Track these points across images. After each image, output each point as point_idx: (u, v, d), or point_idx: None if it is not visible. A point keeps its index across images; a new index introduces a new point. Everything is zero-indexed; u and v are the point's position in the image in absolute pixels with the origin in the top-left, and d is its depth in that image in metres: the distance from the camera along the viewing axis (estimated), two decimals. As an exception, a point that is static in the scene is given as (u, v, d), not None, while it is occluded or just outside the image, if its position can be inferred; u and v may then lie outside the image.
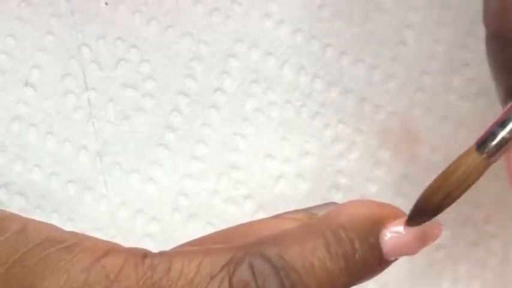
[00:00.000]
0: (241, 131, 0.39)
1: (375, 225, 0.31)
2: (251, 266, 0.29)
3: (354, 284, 0.30)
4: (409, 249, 0.31)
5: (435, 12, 0.39)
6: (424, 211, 0.30)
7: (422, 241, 0.31)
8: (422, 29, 0.39)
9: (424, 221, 0.30)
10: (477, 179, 0.29)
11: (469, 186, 0.30)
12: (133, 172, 0.39)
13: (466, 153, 0.30)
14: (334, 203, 0.32)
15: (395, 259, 0.31)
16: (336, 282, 0.30)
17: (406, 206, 0.37)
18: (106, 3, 0.38)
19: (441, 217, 0.38)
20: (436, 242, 0.37)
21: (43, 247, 0.29)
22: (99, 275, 0.28)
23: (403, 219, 0.31)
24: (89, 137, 0.38)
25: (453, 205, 0.38)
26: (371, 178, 0.40)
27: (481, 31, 0.38)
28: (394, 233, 0.31)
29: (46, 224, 0.31)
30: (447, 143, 0.40)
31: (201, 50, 0.39)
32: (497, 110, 0.39)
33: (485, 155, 0.29)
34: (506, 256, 0.40)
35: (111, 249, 0.29)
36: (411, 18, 0.39)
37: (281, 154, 0.39)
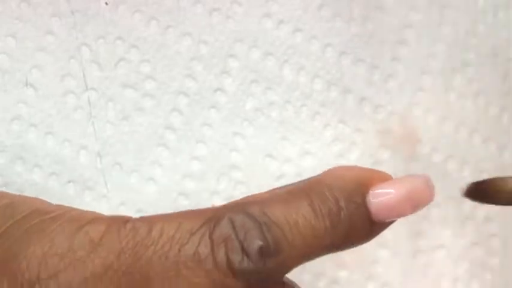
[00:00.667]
0: (241, 131, 0.39)
1: (361, 186, 0.31)
2: (232, 221, 0.29)
3: (344, 245, 0.30)
4: (399, 210, 0.31)
5: (435, 12, 0.39)
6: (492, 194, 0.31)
7: (412, 202, 0.31)
8: (423, 29, 0.39)
9: (479, 200, 0.31)
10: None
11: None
12: (133, 172, 0.39)
13: None
14: None
15: (389, 223, 0.31)
16: (323, 241, 0.30)
17: None
18: (106, 3, 0.38)
19: (441, 217, 0.40)
20: (436, 242, 0.39)
21: (30, 218, 0.30)
22: (83, 240, 0.29)
23: (391, 180, 0.31)
24: (89, 137, 0.38)
25: (453, 205, 0.40)
26: None
27: (481, 31, 0.39)
28: (381, 193, 0.31)
29: (34, 198, 0.32)
30: (447, 143, 0.40)
31: (201, 50, 0.38)
32: (496, 110, 0.40)
33: None
34: (506, 256, 0.41)
35: (95, 217, 0.30)
36: (411, 18, 0.39)
37: (281, 154, 0.39)
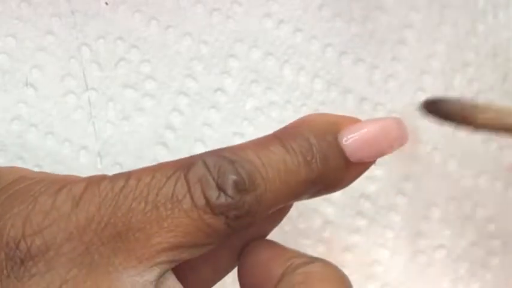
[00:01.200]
0: (241, 131, 0.39)
1: (332, 126, 0.31)
2: (205, 163, 0.29)
3: (324, 183, 0.31)
4: (372, 147, 0.31)
5: (435, 12, 0.39)
6: (458, 114, 0.31)
7: (385, 140, 0.31)
8: (423, 29, 0.39)
9: (440, 117, 0.31)
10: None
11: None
12: None
13: None
14: None
15: (365, 164, 0.31)
16: (298, 175, 0.30)
17: (406, 206, 0.39)
18: (106, 3, 0.38)
19: (441, 217, 0.40)
20: (436, 242, 0.39)
21: (15, 184, 0.31)
22: (65, 197, 0.29)
23: (361, 121, 0.31)
24: (89, 137, 0.38)
25: (454, 204, 0.40)
26: (371, 178, 0.40)
27: (481, 31, 0.39)
28: (351, 131, 0.31)
29: (20, 168, 0.33)
30: (447, 143, 0.40)
31: (201, 50, 0.38)
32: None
33: None
34: (506, 256, 0.41)
35: (76, 178, 0.31)
36: (411, 18, 0.39)
37: None
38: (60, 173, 0.36)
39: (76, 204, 0.29)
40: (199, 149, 0.38)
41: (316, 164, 0.30)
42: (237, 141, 0.38)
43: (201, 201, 0.29)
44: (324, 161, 0.30)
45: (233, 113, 0.39)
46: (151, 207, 0.29)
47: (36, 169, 0.38)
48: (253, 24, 0.38)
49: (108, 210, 0.29)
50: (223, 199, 0.29)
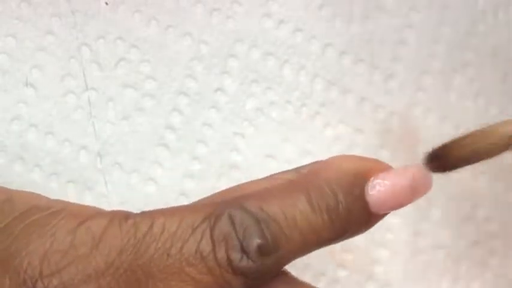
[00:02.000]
0: (242, 131, 0.39)
1: (360, 177, 0.30)
2: (231, 218, 0.29)
3: (342, 237, 0.30)
4: (397, 201, 0.30)
5: (435, 12, 0.39)
6: (446, 159, 0.30)
7: (410, 192, 0.30)
8: (423, 29, 0.39)
9: (439, 170, 0.30)
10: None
11: (500, 153, 0.30)
12: (133, 172, 0.38)
13: (507, 123, 0.29)
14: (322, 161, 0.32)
15: (385, 213, 0.31)
16: (321, 234, 0.30)
17: (406, 206, 0.37)
18: (106, 3, 0.38)
19: (441, 217, 0.40)
20: (436, 242, 0.39)
21: (29, 214, 0.30)
22: (84, 236, 0.29)
23: (389, 171, 0.31)
24: (89, 137, 0.38)
25: (454, 204, 0.40)
26: None
27: (481, 31, 0.39)
28: (379, 184, 0.30)
29: (32, 193, 0.32)
30: None
31: (201, 50, 0.38)
32: (496, 110, 0.40)
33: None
34: (506, 256, 0.41)
35: (96, 212, 0.30)
36: (411, 18, 0.39)
37: (281, 154, 0.39)
38: (61, 175, 0.38)
39: (96, 246, 0.29)
40: (201, 151, 0.38)
41: (340, 222, 0.30)
42: (238, 141, 0.39)
43: (224, 261, 0.29)
44: (348, 219, 0.30)
45: (233, 113, 0.39)
46: (174, 261, 0.29)
47: (36, 169, 0.38)
48: (253, 24, 0.39)
49: (129, 257, 0.29)
50: (245, 262, 0.29)
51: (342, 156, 0.32)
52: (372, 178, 0.30)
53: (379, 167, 0.31)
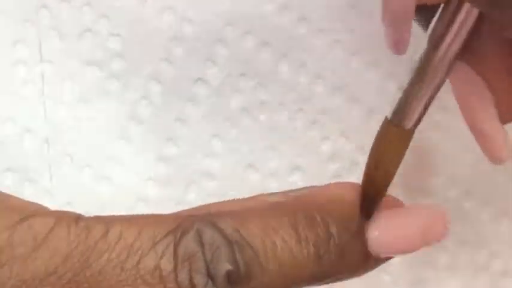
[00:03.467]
0: (221, 133, 0.38)
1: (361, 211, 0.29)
2: (199, 235, 0.28)
3: (330, 279, 0.29)
4: (402, 247, 0.29)
5: None
6: (370, 194, 0.29)
7: (420, 239, 0.29)
8: None
9: (374, 205, 0.29)
10: (407, 147, 0.30)
11: (402, 157, 0.30)
12: (86, 167, 0.37)
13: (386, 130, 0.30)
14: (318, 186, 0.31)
15: (388, 258, 0.29)
16: (303, 271, 0.28)
17: None
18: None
19: (450, 264, 0.37)
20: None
21: None
22: (25, 235, 0.27)
23: (398, 209, 0.29)
24: (38, 119, 0.37)
25: (466, 251, 0.39)
26: None
27: None
28: (384, 224, 0.29)
29: None
30: (465, 177, 0.38)
31: (184, 29, 0.37)
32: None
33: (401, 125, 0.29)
34: (507, 255, 0.39)
35: (40, 210, 0.28)
36: None
37: (265, 166, 0.38)
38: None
39: (37, 247, 0.27)
40: (169, 151, 0.37)
41: (329, 259, 0.28)
42: (216, 145, 0.38)
43: (185, 285, 0.27)
44: (339, 258, 0.28)
45: (214, 109, 0.38)
46: (127, 276, 0.27)
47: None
48: (250, 6, 0.37)
49: (75, 265, 0.27)
50: None
51: (342, 184, 0.30)
52: (376, 214, 0.29)
53: (389, 202, 0.30)
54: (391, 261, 0.36)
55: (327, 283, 0.29)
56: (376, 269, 0.37)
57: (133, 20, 0.37)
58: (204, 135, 0.37)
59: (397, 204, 0.30)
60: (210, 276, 0.27)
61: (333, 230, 0.28)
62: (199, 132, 0.37)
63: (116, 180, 0.37)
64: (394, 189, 0.37)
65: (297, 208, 0.29)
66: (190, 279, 0.27)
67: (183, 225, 0.28)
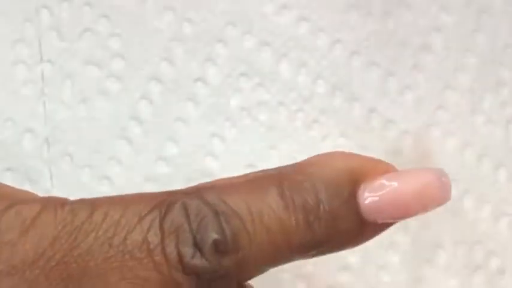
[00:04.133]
0: (221, 133, 0.37)
1: (353, 177, 0.29)
2: (185, 207, 0.28)
3: (323, 248, 0.29)
4: (399, 211, 0.29)
5: (470, 15, 0.38)
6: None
7: (418, 202, 0.29)
8: (453, 35, 0.38)
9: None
10: None
11: None
12: (86, 167, 0.37)
13: None
14: None
15: (388, 224, 0.29)
16: (293, 238, 0.28)
17: (408, 245, 0.38)
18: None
19: (447, 263, 0.39)
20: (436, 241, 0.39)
21: None
22: (13, 220, 0.28)
23: (393, 173, 0.29)
24: (38, 119, 0.37)
25: (464, 250, 0.38)
26: None
27: None
28: (377, 187, 0.28)
29: None
30: (466, 176, 0.38)
31: (183, 29, 0.37)
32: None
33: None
34: (505, 254, 0.39)
35: (28, 197, 0.29)
36: (441, 19, 0.38)
37: (265, 166, 0.36)
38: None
39: (25, 232, 0.28)
40: (169, 150, 0.37)
41: (320, 226, 0.28)
42: (216, 144, 0.38)
43: (173, 256, 0.27)
44: (331, 223, 0.28)
45: (214, 109, 0.37)
46: (115, 253, 0.27)
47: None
48: (250, 6, 0.37)
49: (63, 246, 0.27)
50: (198, 260, 0.27)
51: (335, 152, 0.30)
52: (370, 178, 0.29)
53: (379, 167, 0.29)
54: (390, 260, 0.38)
55: (323, 253, 0.29)
56: (375, 268, 0.38)
57: (133, 20, 0.37)
58: (204, 134, 0.37)
59: (390, 168, 0.29)
60: (197, 246, 0.27)
61: (322, 196, 0.28)
62: (199, 131, 0.37)
63: (116, 180, 0.37)
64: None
65: (284, 177, 0.28)
66: (178, 251, 0.27)
67: (168, 199, 0.28)
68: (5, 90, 0.37)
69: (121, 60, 0.37)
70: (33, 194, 0.30)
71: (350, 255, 0.38)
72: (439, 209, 0.36)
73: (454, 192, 0.37)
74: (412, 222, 0.38)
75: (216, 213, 0.27)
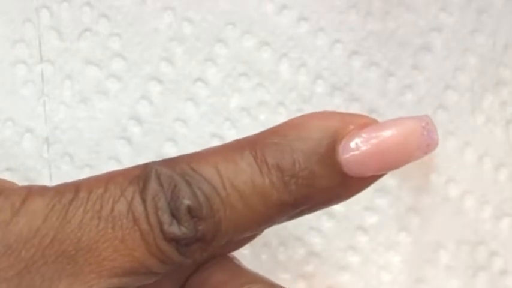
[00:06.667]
0: (221, 133, 0.37)
1: (330, 133, 0.28)
2: (159, 177, 0.28)
3: (304, 205, 0.29)
4: (384, 162, 0.28)
5: (470, 16, 0.38)
6: None
7: (402, 150, 0.28)
8: (453, 35, 0.38)
9: None
10: None
11: None
12: (85, 167, 0.37)
13: None
14: None
15: (377, 176, 0.29)
16: (269, 199, 0.28)
17: (410, 245, 0.38)
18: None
19: (449, 263, 0.39)
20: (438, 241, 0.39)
21: None
22: (3, 204, 0.28)
23: (372, 125, 0.28)
24: (38, 119, 0.37)
25: (466, 250, 0.39)
26: (370, 207, 0.39)
27: None
28: (355, 142, 0.28)
29: None
30: (467, 176, 0.39)
31: (183, 29, 0.37)
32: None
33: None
34: (507, 255, 0.39)
35: (12, 185, 0.30)
36: (441, 20, 0.38)
37: None
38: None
39: (16, 212, 0.28)
40: (169, 150, 0.38)
41: (297, 185, 0.28)
42: (215, 144, 0.38)
43: (156, 224, 0.28)
44: (310, 181, 0.28)
45: (214, 109, 0.38)
46: (105, 225, 0.28)
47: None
48: (250, 6, 0.37)
49: (54, 223, 0.28)
50: (175, 227, 0.28)
51: (313, 112, 0.30)
52: (350, 134, 0.28)
53: (362, 122, 0.29)
54: (391, 260, 0.39)
55: (307, 211, 0.29)
56: (376, 268, 0.38)
57: (133, 19, 0.37)
58: (204, 134, 0.37)
59: (370, 122, 0.29)
60: (172, 214, 0.28)
61: (298, 155, 0.28)
62: (199, 131, 0.37)
63: (116, 180, 0.38)
64: (394, 189, 0.38)
65: (258, 141, 0.29)
66: (159, 219, 0.28)
67: (145, 171, 0.29)
68: (5, 90, 0.37)
69: (121, 60, 0.37)
70: (15, 183, 0.31)
71: (350, 255, 0.39)
72: (440, 209, 0.38)
73: (455, 192, 0.39)
74: (414, 222, 0.38)
75: (187, 182, 0.28)
